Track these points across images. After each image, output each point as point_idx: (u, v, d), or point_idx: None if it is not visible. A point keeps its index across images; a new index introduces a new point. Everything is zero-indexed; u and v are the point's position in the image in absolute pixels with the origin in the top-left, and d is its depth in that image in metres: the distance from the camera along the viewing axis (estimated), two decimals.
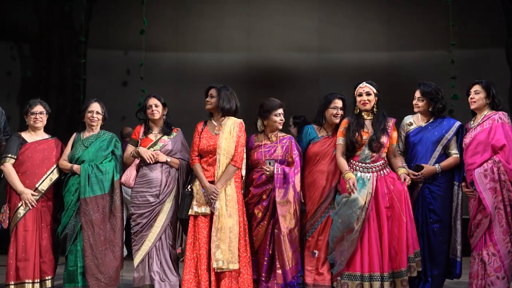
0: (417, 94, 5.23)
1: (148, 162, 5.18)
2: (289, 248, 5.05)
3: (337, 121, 5.29)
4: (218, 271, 4.93)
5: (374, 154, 5.03)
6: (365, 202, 4.90)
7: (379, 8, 10.32)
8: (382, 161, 5.09)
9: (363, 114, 5.15)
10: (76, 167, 5.21)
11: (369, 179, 4.96)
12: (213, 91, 5.16)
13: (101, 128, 5.46)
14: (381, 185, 4.97)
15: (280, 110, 5.26)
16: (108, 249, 5.17)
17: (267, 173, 5.12)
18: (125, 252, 5.75)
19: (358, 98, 5.14)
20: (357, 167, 5.05)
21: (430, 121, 5.22)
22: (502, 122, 4.92)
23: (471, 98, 5.08)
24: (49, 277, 5.26)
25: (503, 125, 4.91)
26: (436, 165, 5.08)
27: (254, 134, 5.40)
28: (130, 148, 5.35)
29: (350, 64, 10.06)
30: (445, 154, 5.14)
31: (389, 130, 5.11)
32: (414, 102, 5.25)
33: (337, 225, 4.99)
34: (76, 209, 5.17)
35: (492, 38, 10.05)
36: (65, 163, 5.28)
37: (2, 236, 5.54)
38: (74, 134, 5.42)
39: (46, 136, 5.43)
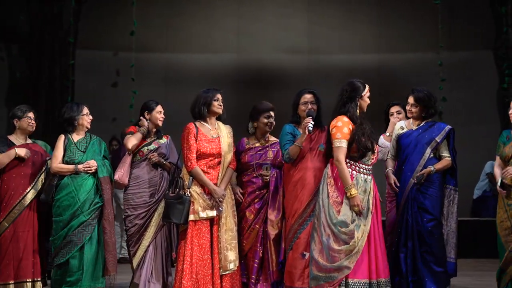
0: (411, 100, 5.20)
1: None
2: (274, 252, 5.09)
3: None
4: (226, 273, 4.94)
5: (374, 156, 4.78)
6: (370, 210, 4.63)
7: (369, 10, 10.37)
8: None
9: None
10: (80, 166, 5.17)
11: (370, 182, 4.69)
12: (221, 96, 5.15)
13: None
14: (375, 186, 4.78)
15: (270, 113, 5.28)
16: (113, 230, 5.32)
17: (266, 178, 5.15)
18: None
19: (368, 96, 4.84)
20: (361, 169, 4.67)
21: (421, 124, 5.22)
22: None
23: None
24: (39, 279, 5.28)
25: None
26: (431, 167, 5.07)
27: (246, 137, 5.41)
28: (132, 138, 5.30)
29: (340, 66, 10.07)
30: (435, 157, 5.15)
31: None
32: (408, 107, 5.23)
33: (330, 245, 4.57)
34: (95, 211, 5.17)
35: (481, 40, 10.13)
36: (66, 166, 5.20)
37: None
38: (63, 137, 5.31)
39: (30, 140, 5.45)
